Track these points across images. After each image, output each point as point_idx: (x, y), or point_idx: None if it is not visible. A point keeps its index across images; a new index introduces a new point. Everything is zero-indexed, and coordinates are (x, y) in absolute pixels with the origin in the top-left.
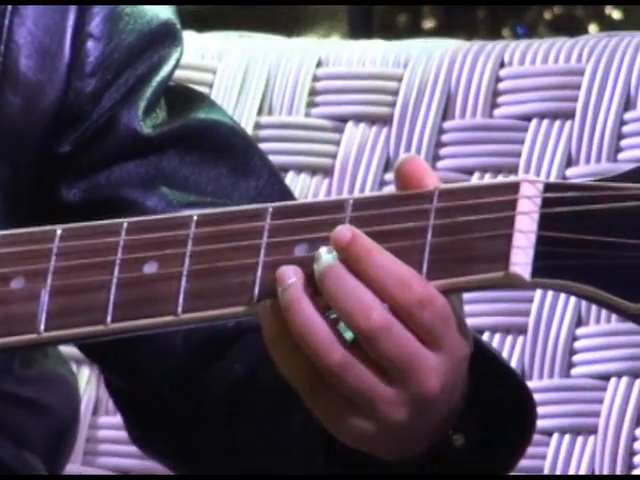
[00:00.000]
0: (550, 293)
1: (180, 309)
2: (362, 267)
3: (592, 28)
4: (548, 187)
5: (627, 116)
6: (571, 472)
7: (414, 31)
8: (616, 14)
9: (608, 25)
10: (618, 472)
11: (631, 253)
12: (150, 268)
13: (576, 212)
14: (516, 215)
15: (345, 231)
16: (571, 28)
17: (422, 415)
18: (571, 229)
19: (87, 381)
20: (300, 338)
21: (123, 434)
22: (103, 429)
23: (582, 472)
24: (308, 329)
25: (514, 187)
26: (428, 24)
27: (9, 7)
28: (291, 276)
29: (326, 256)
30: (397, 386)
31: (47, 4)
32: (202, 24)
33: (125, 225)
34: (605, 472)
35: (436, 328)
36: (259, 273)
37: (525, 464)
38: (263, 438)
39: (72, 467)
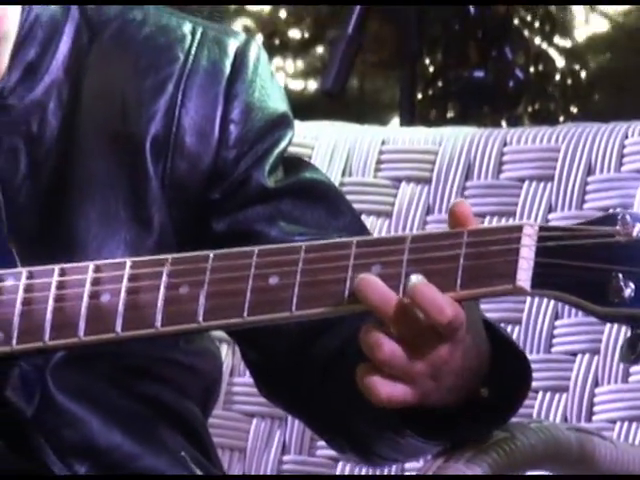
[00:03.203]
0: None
1: (294, 308)
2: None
3: (561, 118)
4: (542, 228)
5: (589, 179)
6: (550, 418)
7: (442, 120)
8: (574, 110)
9: (571, 116)
10: (583, 420)
11: (598, 273)
12: (273, 280)
13: (561, 245)
14: (520, 247)
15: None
16: (546, 117)
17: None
18: (558, 257)
19: (226, 354)
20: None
21: (249, 389)
22: (236, 386)
23: (558, 419)
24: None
25: (519, 228)
26: (450, 115)
27: (178, 102)
28: None
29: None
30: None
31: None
32: (305, 115)
33: (256, 251)
34: (574, 420)
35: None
36: (347, 284)
37: (519, 412)
38: (350, 395)
39: (216, 411)
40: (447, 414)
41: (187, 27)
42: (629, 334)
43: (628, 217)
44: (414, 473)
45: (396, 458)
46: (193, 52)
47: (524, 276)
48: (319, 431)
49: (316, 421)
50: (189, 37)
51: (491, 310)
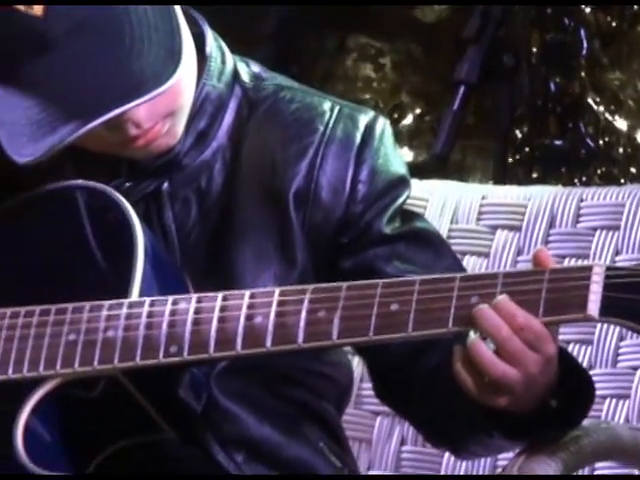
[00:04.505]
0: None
1: (410, 329)
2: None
3: (622, 180)
4: (608, 268)
5: None
6: (615, 420)
7: (527, 179)
8: (634, 171)
9: (630, 177)
10: None
11: None
12: (394, 307)
13: (624, 282)
14: (591, 283)
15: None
16: (610, 178)
17: (532, 387)
18: (621, 291)
19: (357, 363)
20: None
21: None
22: (365, 390)
23: (622, 421)
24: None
25: (590, 268)
26: (534, 175)
27: (317, 164)
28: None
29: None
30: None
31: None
32: (419, 174)
33: (380, 283)
34: (634, 421)
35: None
36: (452, 311)
37: (590, 415)
38: (448, 403)
39: (349, 410)
40: (523, 420)
41: (327, 105)
42: None
43: None
44: (505, 462)
45: (482, 454)
46: (331, 125)
47: (593, 307)
48: (421, 430)
49: (419, 422)
50: (328, 113)
51: (568, 333)
